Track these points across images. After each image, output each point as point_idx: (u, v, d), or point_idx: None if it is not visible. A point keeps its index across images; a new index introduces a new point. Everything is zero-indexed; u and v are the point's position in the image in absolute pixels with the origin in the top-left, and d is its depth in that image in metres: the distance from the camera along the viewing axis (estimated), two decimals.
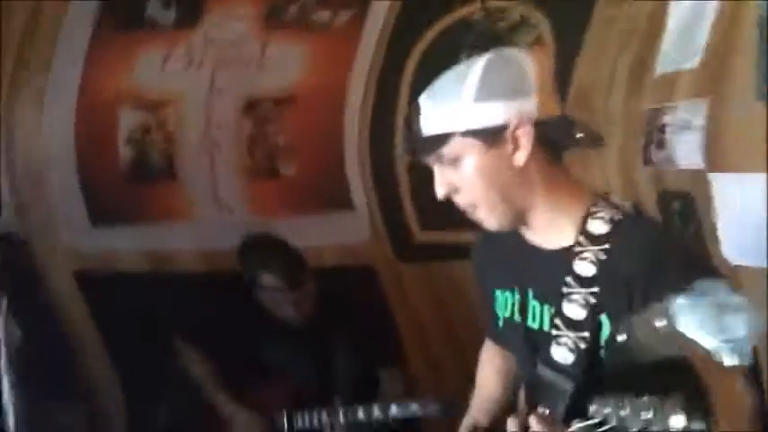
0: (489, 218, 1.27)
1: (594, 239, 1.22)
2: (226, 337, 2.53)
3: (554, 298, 1.24)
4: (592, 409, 1.04)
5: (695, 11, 2.21)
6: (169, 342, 2.60)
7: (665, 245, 1.23)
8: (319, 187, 3.08)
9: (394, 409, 2.46)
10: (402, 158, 1.19)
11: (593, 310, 1.19)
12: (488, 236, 1.38)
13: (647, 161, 2.36)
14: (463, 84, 1.21)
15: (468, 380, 1.66)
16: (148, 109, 2.82)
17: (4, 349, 1.96)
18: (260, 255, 2.57)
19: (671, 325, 0.97)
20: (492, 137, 1.21)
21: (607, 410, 1.01)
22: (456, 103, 1.21)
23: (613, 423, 1.01)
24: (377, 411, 2.48)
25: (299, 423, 2.53)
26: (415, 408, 2.46)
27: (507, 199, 1.24)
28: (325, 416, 2.50)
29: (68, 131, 2.68)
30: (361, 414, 2.47)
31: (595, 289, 1.20)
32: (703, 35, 2.14)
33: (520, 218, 1.28)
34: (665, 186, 2.30)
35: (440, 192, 1.27)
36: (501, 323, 1.43)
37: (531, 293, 1.33)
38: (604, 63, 2.56)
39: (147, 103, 2.81)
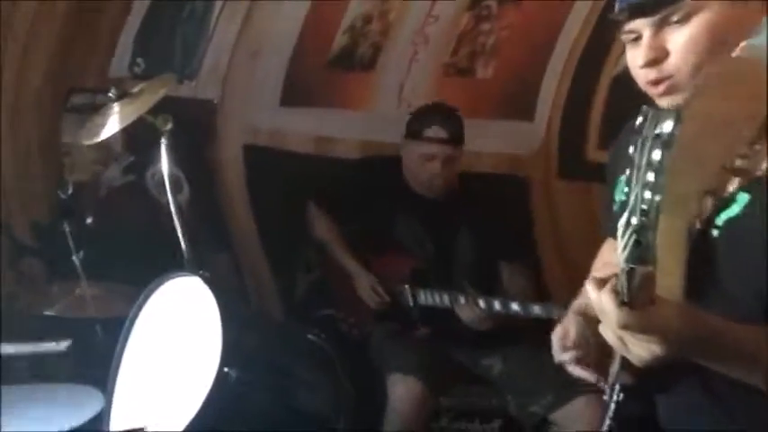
0: (675, 92, 1.16)
1: None
2: (362, 213, 2.69)
3: None
4: None
5: None
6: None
7: None
8: (508, 94, 3.06)
9: (514, 307, 2.46)
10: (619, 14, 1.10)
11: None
12: (631, 125, 1.32)
13: None
14: None
15: None
16: None
17: (172, 199, 2.10)
18: (431, 111, 2.68)
19: None
20: None
21: None
22: None
23: None
24: (497, 305, 2.49)
25: (422, 299, 2.61)
26: (536, 309, 2.43)
27: None
28: (446, 298, 2.56)
29: (300, 16, 2.86)
30: (482, 304, 2.49)
31: None
32: None
33: None
34: None
35: (645, 58, 1.15)
36: (616, 207, 1.39)
37: None
38: None
39: None
